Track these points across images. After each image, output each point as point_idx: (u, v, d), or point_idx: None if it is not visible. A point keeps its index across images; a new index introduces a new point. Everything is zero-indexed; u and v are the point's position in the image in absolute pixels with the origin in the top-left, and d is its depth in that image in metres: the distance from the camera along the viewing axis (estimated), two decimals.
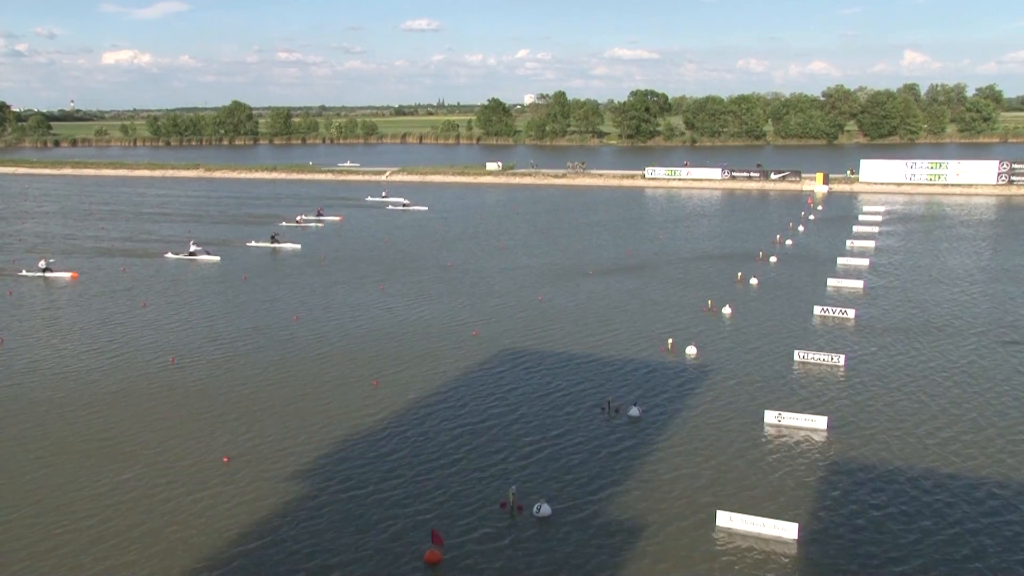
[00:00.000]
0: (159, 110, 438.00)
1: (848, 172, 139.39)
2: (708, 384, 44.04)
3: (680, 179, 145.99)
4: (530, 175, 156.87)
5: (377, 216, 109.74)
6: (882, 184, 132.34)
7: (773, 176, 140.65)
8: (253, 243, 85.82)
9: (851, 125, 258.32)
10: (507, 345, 51.20)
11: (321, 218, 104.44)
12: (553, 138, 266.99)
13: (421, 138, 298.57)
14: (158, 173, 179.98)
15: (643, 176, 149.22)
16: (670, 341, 50.50)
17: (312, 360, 48.46)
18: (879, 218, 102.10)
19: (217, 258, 78.25)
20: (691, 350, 49.18)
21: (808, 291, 64.83)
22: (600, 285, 67.97)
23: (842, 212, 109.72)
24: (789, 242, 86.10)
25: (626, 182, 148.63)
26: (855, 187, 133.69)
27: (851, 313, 57.01)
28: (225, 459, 35.31)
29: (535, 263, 77.19)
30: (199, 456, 35.76)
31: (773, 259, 76.98)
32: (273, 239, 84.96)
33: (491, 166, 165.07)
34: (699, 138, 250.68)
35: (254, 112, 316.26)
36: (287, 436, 37.70)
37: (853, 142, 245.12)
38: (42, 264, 72.98)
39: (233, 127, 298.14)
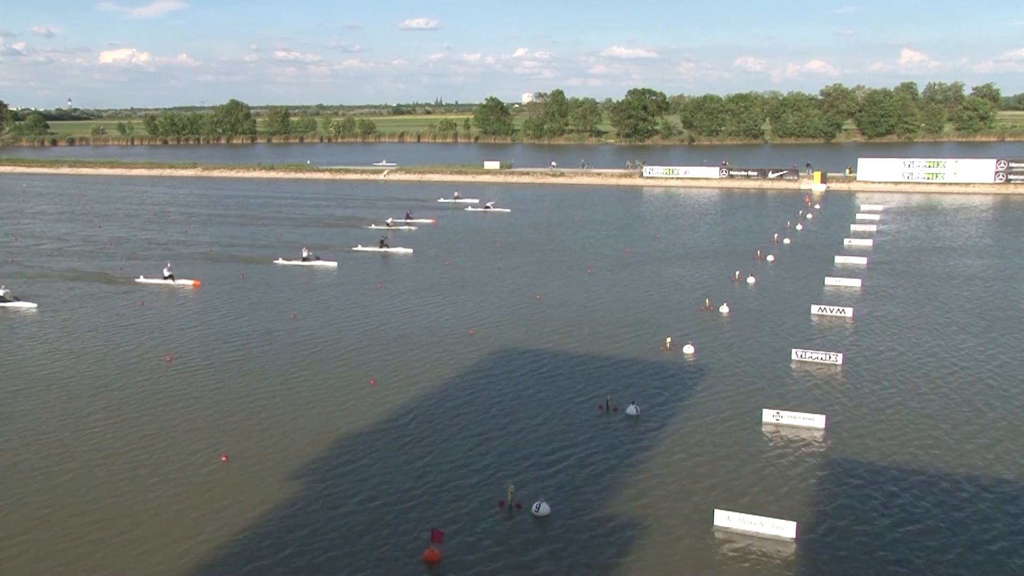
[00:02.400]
0: (157, 109, 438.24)
1: (847, 171, 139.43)
2: (706, 383, 44.09)
3: (678, 178, 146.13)
4: (528, 174, 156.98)
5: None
6: (880, 183, 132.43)
7: (771, 175, 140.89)
8: (360, 247, 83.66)
9: (849, 124, 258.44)
10: (504, 343, 51.24)
11: (413, 221, 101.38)
12: (551, 137, 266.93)
13: (419, 137, 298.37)
14: (156, 172, 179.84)
15: (641, 175, 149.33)
16: (668, 340, 50.56)
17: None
18: (877, 217, 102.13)
19: (334, 263, 75.70)
20: (689, 349, 49.24)
21: (806, 290, 64.88)
22: (598, 283, 67.98)
23: (840, 211, 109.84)
24: (787, 241, 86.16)
25: (624, 181, 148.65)
26: (853, 186, 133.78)
27: (849, 312, 57.07)
28: (223, 457, 35.39)
29: (532, 260, 77.45)
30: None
31: (771, 258, 77.07)
32: (382, 243, 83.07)
33: (489, 165, 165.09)
34: (697, 137, 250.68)
35: (252, 111, 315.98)
36: (287, 435, 37.78)
37: (851, 141, 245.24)
38: (165, 272, 69.62)
39: (231, 126, 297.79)
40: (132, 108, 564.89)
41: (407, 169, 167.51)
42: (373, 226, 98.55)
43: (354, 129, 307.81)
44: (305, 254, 76.85)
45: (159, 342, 52.53)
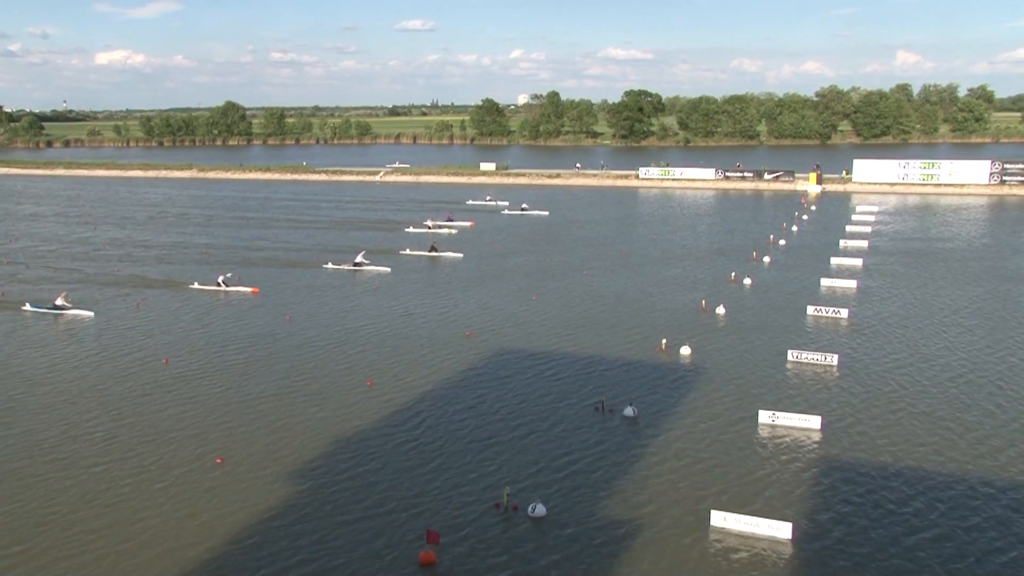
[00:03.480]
0: (152, 111, 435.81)
1: (843, 172, 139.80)
2: (702, 384, 44.14)
3: (674, 179, 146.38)
4: (525, 175, 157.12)
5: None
6: (875, 184, 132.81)
7: (767, 176, 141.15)
8: (408, 251, 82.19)
9: (844, 125, 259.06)
10: (501, 345, 51.28)
11: (453, 223, 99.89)
12: (547, 138, 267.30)
13: (415, 138, 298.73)
14: (151, 174, 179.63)
15: (637, 176, 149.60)
16: (664, 341, 50.61)
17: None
18: (872, 218, 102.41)
19: (387, 268, 73.90)
20: (685, 350, 49.30)
21: (802, 291, 64.98)
22: (595, 285, 68.05)
23: (836, 212, 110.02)
24: (783, 242, 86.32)
25: (620, 182, 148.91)
26: (848, 187, 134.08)
27: (844, 313, 57.18)
28: (219, 459, 35.35)
29: (531, 261, 77.57)
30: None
31: (767, 259, 77.22)
32: (432, 248, 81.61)
33: (485, 166, 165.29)
34: (693, 138, 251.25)
35: (248, 112, 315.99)
36: (280, 436, 37.76)
37: (846, 142, 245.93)
38: (220, 278, 67.64)
39: (227, 127, 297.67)
40: (128, 110, 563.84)
41: (403, 171, 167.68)
42: (411, 228, 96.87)
43: (350, 131, 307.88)
44: (358, 258, 74.78)
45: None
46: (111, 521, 30.44)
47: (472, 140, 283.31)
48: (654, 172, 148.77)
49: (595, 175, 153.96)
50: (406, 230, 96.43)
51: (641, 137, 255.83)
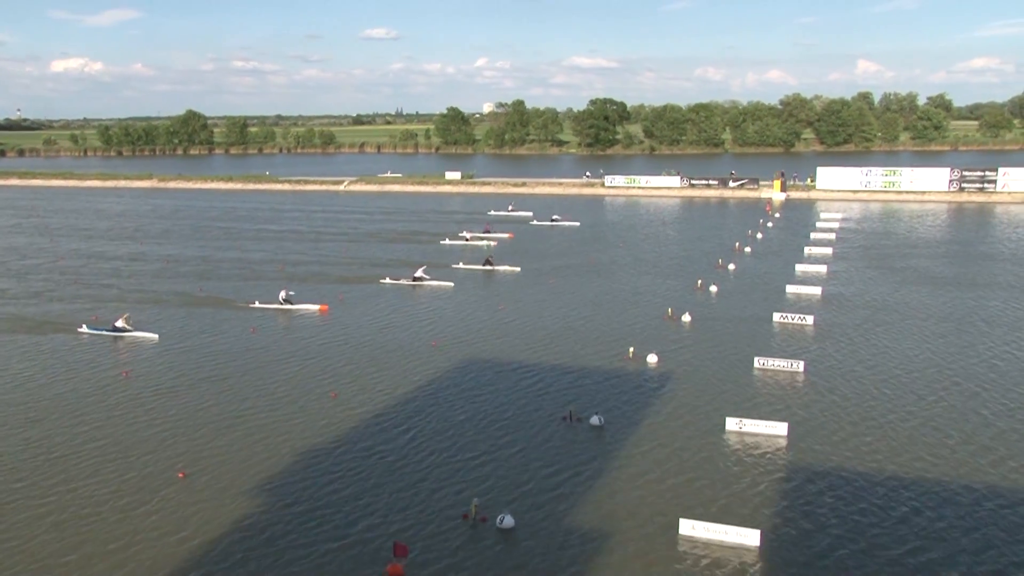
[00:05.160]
0: (111, 119, 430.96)
1: (808, 180, 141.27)
2: (670, 392, 44.30)
3: (640, 187, 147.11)
4: (491, 184, 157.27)
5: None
6: (839, 191, 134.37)
7: (732, 184, 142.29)
8: (461, 265, 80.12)
9: (808, 133, 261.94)
10: (465, 355, 51.18)
11: (491, 235, 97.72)
12: (512, 147, 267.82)
13: (379, 147, 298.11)
14: (110, 183, 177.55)
15: (603, 184, 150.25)
16: (631, 349, 50.75)
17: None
18: (836, 225, 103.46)
19: (450, 284, 71.90)
20: (652, 358, 49.44)
21: (768, 298, 65.47)
22: (561, 293, 68.18)
23: (800, 219, 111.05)
24: (748, 249, 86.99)
25: (586, 190, 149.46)
26: (812, 194, 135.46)
27: (810, 319, 57.68)
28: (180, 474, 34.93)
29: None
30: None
31: (732, 266, 77.75)
32: (487, 261, 79.48)
33: (450, 175, 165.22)
34: (658, 146, 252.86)
35: (209, 121, 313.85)
36: (245, 449, 37.38)
37: (810, 150, 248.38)
38: (282, 295, 64.75)
39: (187, 137, 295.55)
40: (85, 119, 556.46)
41: (367, 180, 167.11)
42: (447, 241, 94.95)
43: (314, 140, 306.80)
44: (418, 273, 72.88)
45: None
46: (77, 543, 30.05)
47: (437, 149, 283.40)
48: (620, 180, 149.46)
49: (562, 184, 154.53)
50: (442, 243, 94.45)
51: (607, 145, 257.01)
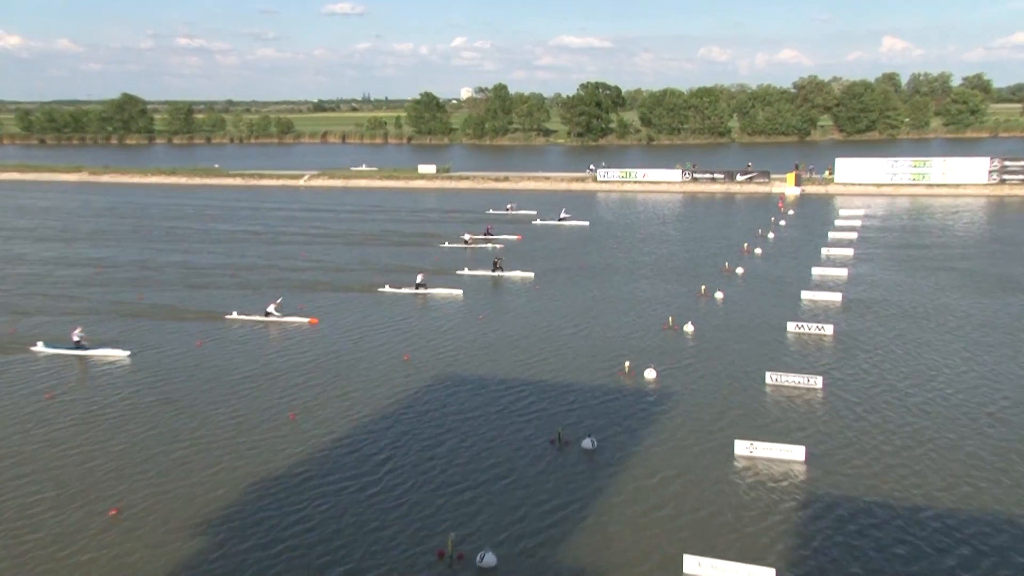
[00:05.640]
0: (32, 102, 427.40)
1: (825, 173, 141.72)
2: (670, 412, 44.14)
3: (636, 182, 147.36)
4: (469, 179, 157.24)
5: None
6: (860, 185, 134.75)
7: (739, 178, 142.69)
8: (467, 271, 79.35)
9: (825, 119, 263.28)
10: (443, 371, 50.96)
11: (495, 237, 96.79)
12: (493, 137, 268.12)
13: (344, 137, 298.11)
14: (31, 176, 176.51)
15: (594, 179, 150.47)
16: (627, 364, 50.59)
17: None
18: (858, 223, 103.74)
19: (459, 291, 71.38)
20: (650, 374, 49.31)
21: (781, 305, 65.49)
22: (548, 301, 68.09)
23: (817, 216, 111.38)
24: (758, 251, 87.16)
25: (576, 185, 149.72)
26: (831, 188, 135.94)
27: (829, 329, 57.69)
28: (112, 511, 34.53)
29: (469, 276, 77.48)
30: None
31: (740, 270, 77.83)
32: (495, 266, 78.93)
33: (424, 169, 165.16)
34: (656, 136, 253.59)
35: (149, 107, 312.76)
36: (188, 478, 37.01)
37: (828, 138, 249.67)
38: (271, 307, 63.71)
39: (123, 124, 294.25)
40: (0, 101, 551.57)
41: (330, 174, 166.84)
42: (447, 244, 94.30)
43: (269, 128, 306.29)
44: (420, 279, 72.45)
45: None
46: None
47: (409, 139, 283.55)
48: (614, 174, 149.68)
49: (549, 178, 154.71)
50: (440, 245, 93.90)
51: (599, 135, 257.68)
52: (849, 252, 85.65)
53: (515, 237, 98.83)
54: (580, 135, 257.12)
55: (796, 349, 54.76)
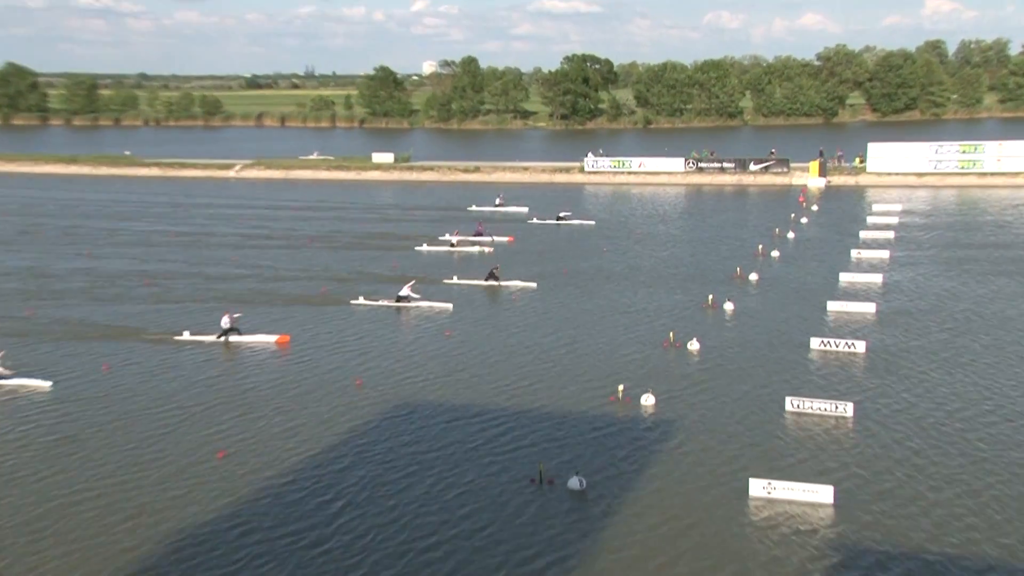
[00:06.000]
0: None
1: (855, 160, 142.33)
2: (672, 445, 44.02)
3: (630, 172, 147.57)
4: (433, 169, 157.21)
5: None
6: (898, 174, 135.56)
7: (752, 167, 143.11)
8: (456, 280, 79.10)
9: (856, 97, 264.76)
10: (410, 399, 50.78)
11: (485, 239, 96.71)
12: (462, 120, 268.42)
13: (284, 119, 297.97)
14: None
15: (581, 169, 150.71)
16: (620, 388, 50.46)
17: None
18: (895, 220, 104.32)
19: (449, 305, 71.03)
20: (648, 400, 49.18)
21: (803, 318, 65.74)
22: (527, 314, 68.14)
23: (846, 213, 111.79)
24: (775, 253, 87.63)
25: (559, 177, 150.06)
26: (862, 179, 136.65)
27: (860, 347, 57.82)
28: None
29: (460, 286, 77.55)
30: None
31: (754, 276, 78.07)
32: (492, 275, 78.41)
33: (379, 158, 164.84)
34: (655, 118, 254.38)
35: (41, 80, 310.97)
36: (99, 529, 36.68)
37: (858, 120, 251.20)
38: (226, 321, 62.90)
39: (9, 100, 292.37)
40: None
41: (267, 164, 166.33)
42: (426, 247, 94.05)
43: (193, 108, 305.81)
44: (404, 291, 71.98)
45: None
46: None
47: (362, 122, 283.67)
48: (604, 163, 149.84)
49: (528, 169, 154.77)
50: (417, 248, 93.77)
51: (587, 117, 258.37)
52: (885, 255, 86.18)
53: (507, 239, 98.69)
54: (564, 118, 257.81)
55: (822, 370, 54.83)
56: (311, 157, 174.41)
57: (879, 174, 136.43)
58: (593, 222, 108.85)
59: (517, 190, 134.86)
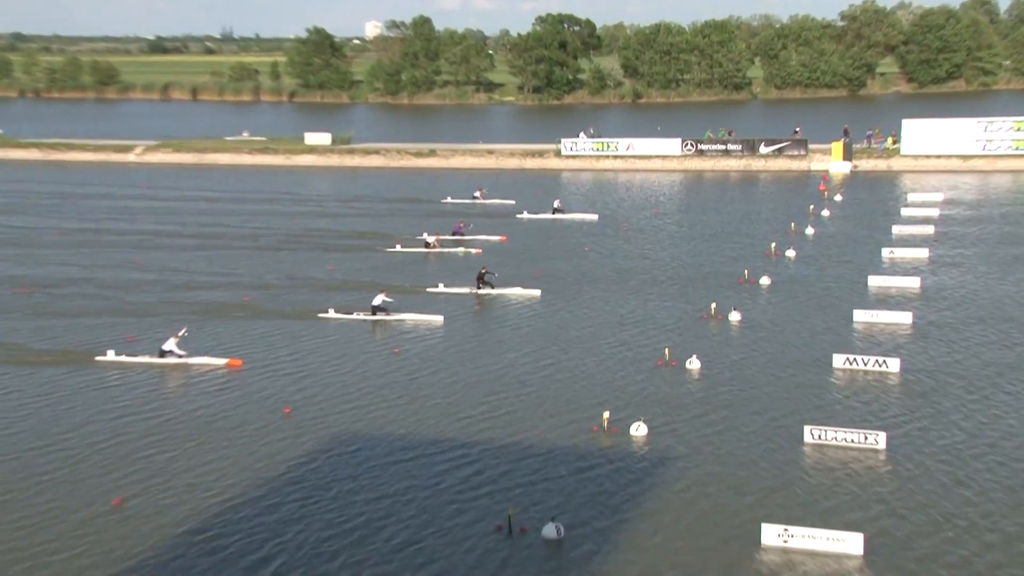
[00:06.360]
0: None
1: (888, 140, 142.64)
2: (667, 483, 43.85)
3: (617, 156, 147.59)
4: (379, 152, 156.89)
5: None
6: (938, 157, 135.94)
7: (763, 150, 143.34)
8: (441, 287, 78.35)
9: (888, 64, 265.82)
10: (343, 428, 50.57)
11: (468, 238, 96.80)
12: (413, 93, 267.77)
13: (195, 92, 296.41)
14: None
15: (558, 152, 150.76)
16: (605, 416, 50.25)
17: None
18: (935, 212, 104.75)
19: (439, 318, 70.39)
20: (639, 430, 48.97)
21: (824, 331, 65.83)
22: (491, 327, 68.21)
23: (876, 203, 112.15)
24: (791, 253, 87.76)
25: (531, 162, 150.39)
26: (895, 162, 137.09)
27: (894, 365, 57.78)
28: None
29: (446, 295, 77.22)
30: None
31: (765, 280, 78.17)
32: (482, 281, 77.84)
33: (314, 139, 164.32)
34: (646, 91, 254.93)
35: None
36: None
37: (891, 92, 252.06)
38: (171, 345, 62.34)
39: None
40: None
41: (176, 146, 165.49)
42: (399, 247, 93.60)
43: (82, 76, 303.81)
44: (378, 300, 71.19)
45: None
46: None
47: (291, 96, 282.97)
48: (586, 146, 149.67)
49: (493, 152, 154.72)
50: (388, 250, 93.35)
51: (564, 90, 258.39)
52: (923, 253, 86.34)
53: (498, 238, 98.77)
54: (537, 91, 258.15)
55: (847, 394, 54.81)
56: (242, 137, 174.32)
57: (916, 157, 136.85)
58: (596, 216, 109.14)
59: (481, 179, 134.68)
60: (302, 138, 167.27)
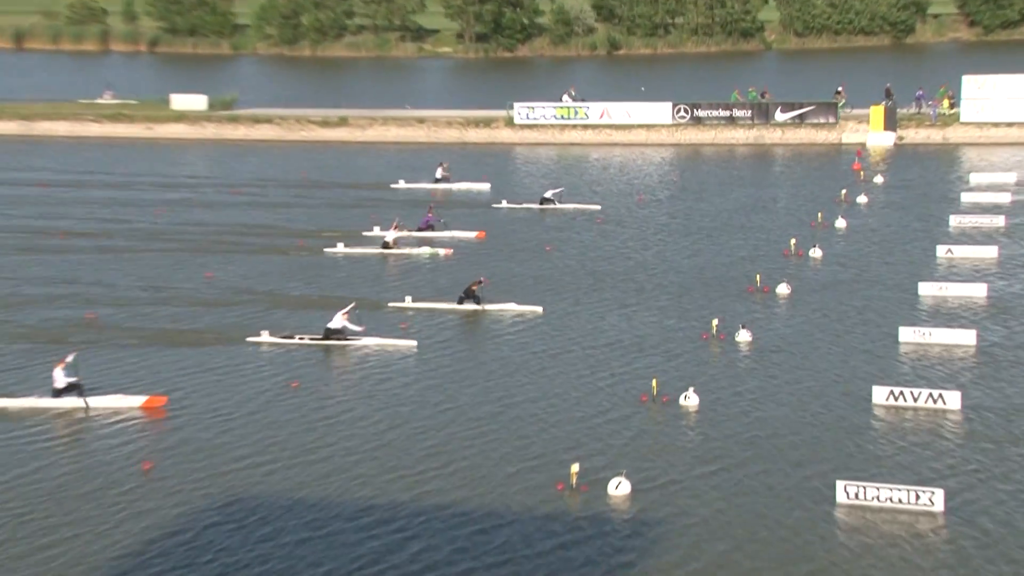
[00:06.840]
0: None
1: (944, 104, 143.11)
2: (657, 550, 43.81)
3: (587, 126, 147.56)
4: (273, 121, 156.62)
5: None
6: (1009, 124, 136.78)
7: (780, 117, 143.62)
8: (410, 301, 78.10)
9: (943, 5, 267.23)
10: (226, 490, 50.32)
11: (436, 234, 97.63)
12: (317, 42, 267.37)
13: (20, 39, 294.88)
14: None
15: (508, 121, 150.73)
16: (574, 469, 49.93)
17: None
18: (1007, 197, 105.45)
19: (413, 343, 70.07)
20: (619, 488, 48.62)
21: (862, 354, 66.03)
22: (435, 350, 68.16)
23: (927, 185, 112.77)
24: (816, 252, 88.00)
25: (473, 134, 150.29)
26: (951, 132, 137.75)
27: (954, 400, 57.40)
28: None
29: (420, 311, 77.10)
30: None
31: (784, 288, 78.35)
32: (471, 295, 77.42)
33: (183, 102, 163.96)
34: (625, 39, 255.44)
35: None
36: None
37: (947, 39, 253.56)
38: (64, 380, 60.88)
39: None
40: None
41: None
42: (341, 247, 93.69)
43: None
44: (337, 323, 70.85)
45: None
46: None
47: (153, 44, 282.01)
48: (543, 112, 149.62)
49: (424, 123, 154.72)
50: (326, 251, 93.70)
51: (517, 39, 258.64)
52: (990, 252, 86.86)
53: (474, 234, 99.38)
54: (482, 39, 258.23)
55: (893, 436, 54.71)
56: (104, 100, 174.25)
57: (979, 125, 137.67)
58: (599, 206, 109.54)
59: (408, 155, 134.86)
60: (167, 101, 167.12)
